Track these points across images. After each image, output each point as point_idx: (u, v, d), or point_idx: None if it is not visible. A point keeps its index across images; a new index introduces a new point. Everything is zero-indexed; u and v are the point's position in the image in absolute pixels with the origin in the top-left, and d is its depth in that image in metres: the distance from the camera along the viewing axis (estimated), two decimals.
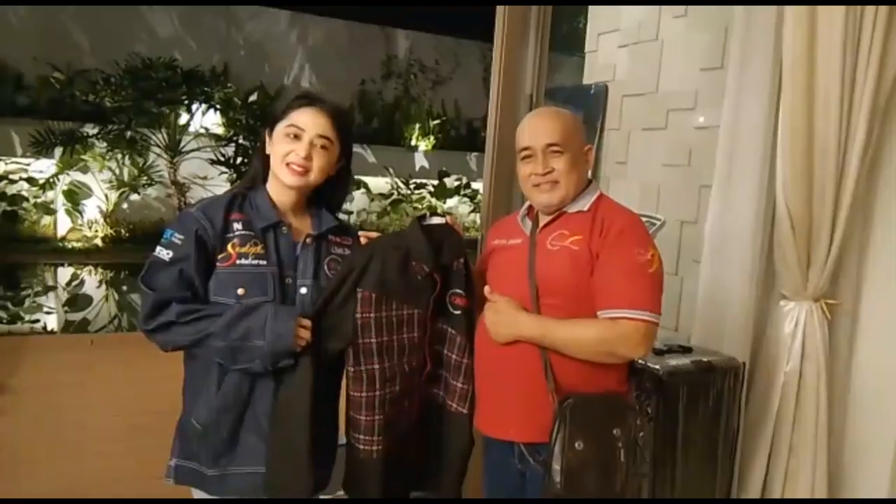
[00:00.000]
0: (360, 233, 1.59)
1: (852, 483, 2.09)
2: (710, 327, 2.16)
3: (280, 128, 1.49)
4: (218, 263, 1.43)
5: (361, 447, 1.50)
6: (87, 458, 3.03)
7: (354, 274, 1.47)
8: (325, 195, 1.59)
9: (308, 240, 1.52)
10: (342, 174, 1.59)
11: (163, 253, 1.41)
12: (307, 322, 1.40)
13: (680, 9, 3.06)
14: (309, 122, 1.47)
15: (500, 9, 2.06)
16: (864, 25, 1.87)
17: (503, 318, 1.51)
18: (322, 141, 1.48)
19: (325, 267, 1.53)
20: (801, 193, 1.96)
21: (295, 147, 1.46)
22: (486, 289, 1.55)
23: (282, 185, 1.50)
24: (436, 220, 1.57)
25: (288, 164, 1.47)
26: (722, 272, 2.15)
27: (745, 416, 2.05)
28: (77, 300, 7.85)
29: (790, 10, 1.91)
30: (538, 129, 1.56)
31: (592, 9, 3.74)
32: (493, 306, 1.53)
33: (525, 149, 1.57)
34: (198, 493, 1.52)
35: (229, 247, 1.43)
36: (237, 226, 1.45)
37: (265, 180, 1.54)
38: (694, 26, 3.03)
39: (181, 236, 1.41)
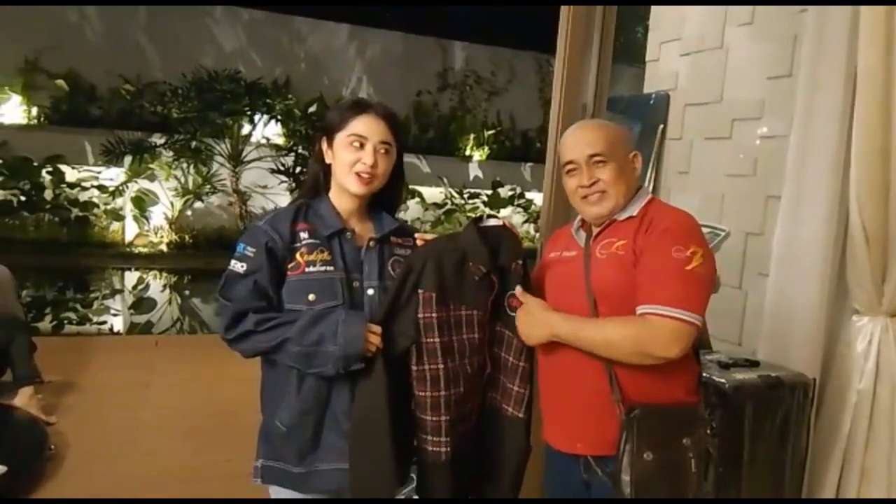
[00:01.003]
0: (417, 235, 1.60)
1: None
2: (777, 342, 2.10)
3: (341, 137, 1.51)
4: (288, 272, 1.47)
5: (430, 448, 1.49)
6: (150, 457, 3.12)
7: (413, 275, 1.48)
8: (382, 198, 1.62)
9: (371, 243, 1.55)
10: (396, 175, 1.61)
11: (237, 266, 1.47)
12: (377, 328, 1.42)
13: (745, 16, 3.00)
14: (370, 129, 1.50)
15: (563, 17, 2.05)
16: None
17: (534, 318, 1.49)
18: (384, 146, 1.51)
19: (390, 268, 1.55)
20: (876, 207, 1.90)
21: (361, 155, 1.49)
22: (518, 289, 1.52)
23: (345, 193, 1.54)
24: (493, 223, 1.57)
25: (357, 174, 1.50)
26: (791, 285, 2.08)
27: (815, 435, 1.97)
28: (142, 303, 8.14)
29: (865, 19, 1.85)
30: (580, 141, 1.55)
31: (654, 18, 3.71)
32: (524, 308, 1.52)
33: (569, 162, 1.56)
34: (275, 494, 1.57)
35: (298, 256, 1.47)
36: (303, 235, 1.49)
37: (328, 189, 1.58)
38: (760, 34, 2.96)
39: (253, 249, 1.46)
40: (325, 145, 1.54)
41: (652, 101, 3.64)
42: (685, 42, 3.40)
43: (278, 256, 1.47)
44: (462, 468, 1.54)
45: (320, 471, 1.50)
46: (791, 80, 2.72)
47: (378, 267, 1.52)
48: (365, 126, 1.50)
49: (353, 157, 1.49)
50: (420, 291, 1.48)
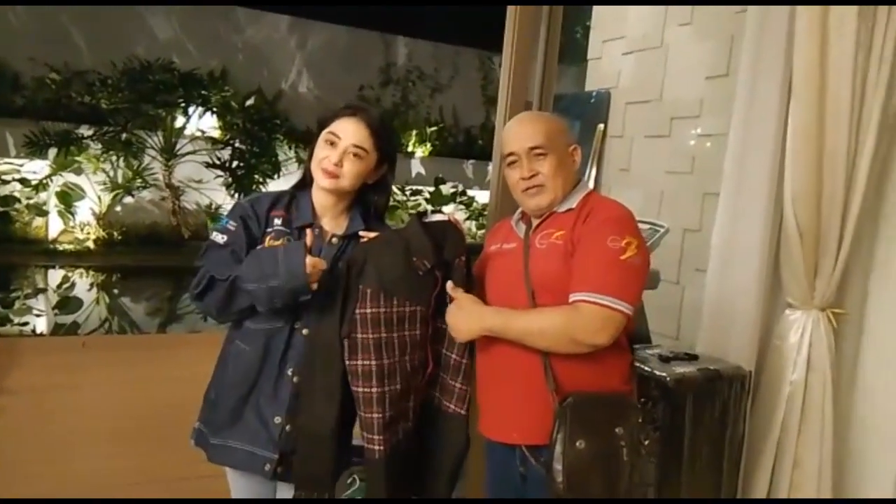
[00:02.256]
0: (361, 232, 1.59)
1: (857, 496, 2.07)
2: (715, 335, 2.15)
3: (323, 133, 1.59)
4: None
5: (367, 445, 1.49)
6: (78, 461, 2.98)
7: (354, 271, 1.47)
8: (367, 201, 1.68)
9: (334, 240, 1.60)
10: (384, 181, 1.68)
11: (218, 237, 1.56)
12: (320, 260, 1.45)
13: (685, 16, 3.07)
14: (347, 130, 1.56)
15: (510, 16, 2.04)
16: (876, 35, 1.88)
17: (464, 313, 1.49)
18: (356, 150, 1.56)
19: (341, 266, 1.57)
20: (810, 203, 1.96)
21: (329, 153, 1.56)
22: (449, 285, 1.52)
23: (320, 188, 1.60)
24: (437, 217, 1.56)
25: (322, 169, 1.56)
26: (728, 280, 2.14)
27: (750, 424, 2.03)
28: (68, 303, 7.77)
29: (802, 20, 1.91)
30: (520, 133, 1.57)
31: (596, 16, 3.76)
32: (455, 303, 1.51)
33: (510, 154, 1.57)
34: (229, 475, 1.63)
35: (266, 239, 1.56)
36: (277, 221, 1.58)
37: (312, 182, 1.63)
38: (699, 34, 3.03)
39: (234, 224, 1.56)
40: (315, 140, 1.61)
41: (593, 100, 3.69)
42: (627, 41, 3.46)
43: (253, 233, 1.56)
44: (403, 465, 1.53)
45: (230, 447, 1.55)
46: (728, 80, 2.79)
47: (330, 264, 1.51)
48: (344, 127, 1.56)
49: (324, 153, 1.56)
50: (360, 287, 1.46)
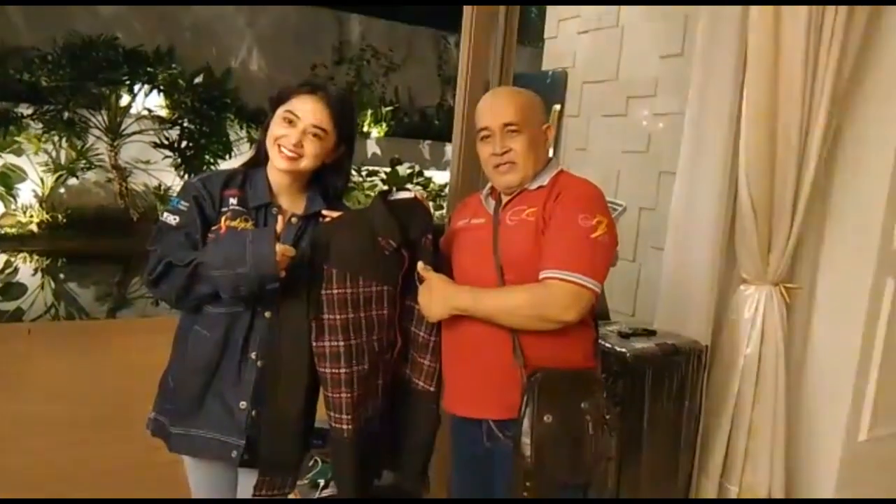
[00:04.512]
0: (324, 211, 1.56)
1: (808, 462, 2.15)
2: (672, 311, 2.19)
3: (280, 111, 1.52)
4: (209, 234, 1.48)
5: (334, 425, 1.48)
6: (24, 453, 2.87)
7: (319, 251, 1.45)
8: (324, 181, 1.62)
9: (293, 219, 1.55)
10: (342, 161, 1.62)
11: (170, 218, 1.48)
12: (289, 248, 1.40)
13: None
14: (306, 109, 1.49)
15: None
16: (827, 12, 1.91)
17: (434, 294, 1.49)
18: (315, 130, 1.50)
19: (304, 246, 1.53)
20: (763, 179, 2.00)
21: (288, 132, 1.49)
22: (420, 265, 1.51)
23: (275, 167, 1.54)
24: (402, 195, 1.54)
25: (279, 148, 1.50)
26: (685, 257, 2.17)
27: (707, 397, 2.08)
28: (11, 289, 7.48)
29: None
30: (495, 108, 1.55)
31: None
32: (425, 283, 1.51)
33: (483, 129, 1.56)
34: (189, 464, 1.58)
35: (222, 220, 1.48)
36: (232, 201, 1.51)
37: (267, 160, 1.56)
38: (653, 14, 3.06)
39: (186, 204, 1.48)
40: (270, 117, 1.54)
41: (549, 79, 3.70)
42: (583, 21, 3.46)
43: (207, 214, 1.49)
44: (371, 444, 1.53)
45: (193, 435, 1.50)
46: (682, 60, 2.82)
47: (291, 244, 1.47)
48: (302, 105, 1.50)
49: (282, 131, 1.50)
50: (324, 267, 1.44)
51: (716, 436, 2.09)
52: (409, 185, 11.97)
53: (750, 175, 2.01)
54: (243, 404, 1.49)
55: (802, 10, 1.89)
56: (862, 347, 2.10)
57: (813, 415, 2.19)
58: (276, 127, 1.51)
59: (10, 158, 9.15)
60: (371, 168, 11.85)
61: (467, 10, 2.04)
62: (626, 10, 3.18)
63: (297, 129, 1.49)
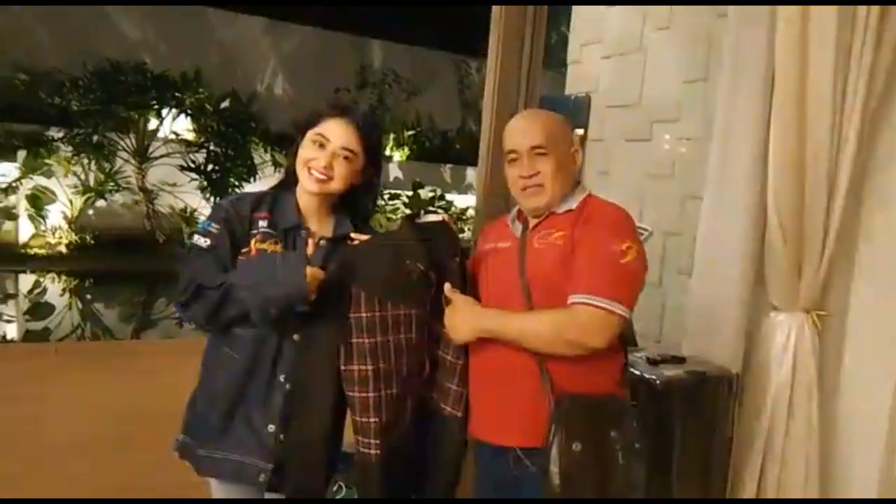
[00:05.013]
0: (352, 234, 1.57)
1: (843, 495, 2.09)
2: (701, 338, 2.15)
3: (309, 134, 1.54)
4: (239, 256, 1.50)
5: (361, 450, 1.48)
6: (51, 471, 2.90)
7: (347, 274, 1.45)
8: (352, 203, 1.64)
9: (322, 242, 1.56)
10: (370, 183, 1.64)
11: (200, 240, 1.50)
12: (319, 271, 1.42)
13: (664, 20, 3.09)
14: (336, 132, 1.52)
15: (495, 18, 2.03)
16: (856, 36, 1.89)
17: (460, 316, 1.48)
18: (345, 152, 1.52)
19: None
20: (793, 204, 1.97)
21: (318, 155, 1.51)
22: (447, 287, 1.51)
23: (305, 190, 1.56)
24: (430, 218, 1.55)
25: (309, 170, 1.52)
26: (713, 283, 2.14)
27: (738, 426, 2.04)
28: (39, 308, 7.60)
29: (781, 20, 1.92)
30: (523, 131, 1.56)
31: (575, 20, 3.76)
32: (451, 305, 1.51)
33: (511, 151, 1.56)
34: (215, 487, 1.58)
35: (252, 242, 1.50)
36: (262, 223, 1.52)
37: (296, 183, 1.58)
38: (677, 38, 3.05)
39: (217, 225, 1.51)
40: (299, 140, 1.56)
41: (572, 104, 3.70)
42: (606, 45, 3.46)
43: (237, 235, 1.51)
44: (399, 468, 1.51)
45: (220, 459, 1.51)
46: (706, 84, 2.81)
47: (319, 267, 1.48)
48: (332, 128, 1.52)
49: (312, 154, 1.52)
50: (352, 291, 1.45)
51: (747, 466, 2.03)
52: (430, 208, 12.03)
53: (779, 200, 1.98)
54: (271, 427, 1.49)
55: (830, 32, 1.87)
56: None
57: (847, 446, 2.12)
58: (306, 150, 1.53)
59: (41, 180, 9.37)
60: (393, 191, 11.94)
61: (494, 34, 2.06)
62: (650, 35, 3.18)
63: (326, 152, 1.51)
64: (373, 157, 1.60)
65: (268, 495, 1.56)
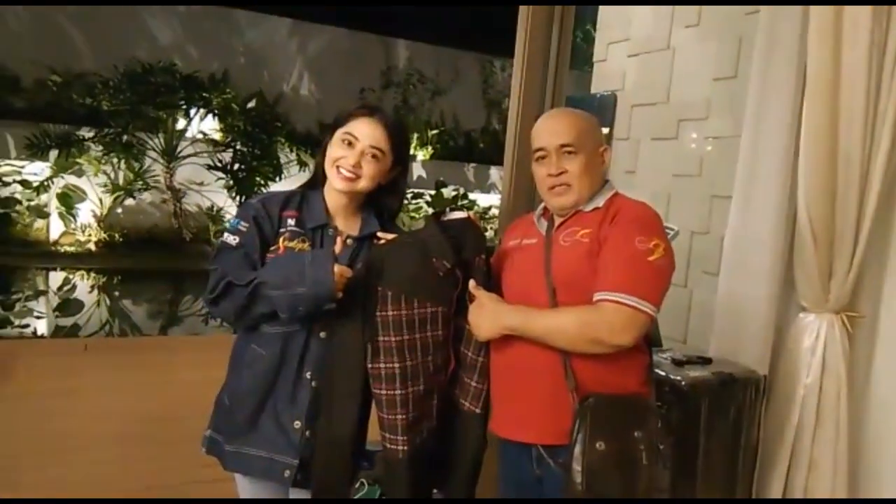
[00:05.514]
0: (379, 233, 1.57)
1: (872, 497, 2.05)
2: (727, 339, 2.13)
3: (338, 133, 1.56)
4: (268, 254, 1.52)
5: (388, 446, 1.48)
6: (79, 466, 2.95)
7: (372, 273, 1.46)
8: (380, 202, 1.66)
9: (349, 240, 1.58)
10: (397, 182, 1.65)
11: (230, 238, 1.52)
12: (346, 269, 1.43)
13: (692, 18, 3.05)
14: (364, 131, 1.53)
15: (522, 17, 2.03)
16: (890, 36, 1.86)
17: (485, 312, 1.48)
18: (373, 151, 1.53)
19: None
20: (824, 203, 1.94)
21: (347, 154, 1.53)
22: (471, 283, 1.50)
23: (334, 189, 1.57)
24: (456, 215, 1.55)
25: (338, 169, 1.53)
26: (740, 283, 2.11)
27: (764, 429, 2.01)
28: (68, 305, 7.75)
29: (814, 18, 1.89)
30: (552, 129, 1.55)
31: (602, 18, 3.74)
32: (476, 302, 1.50)
33: (539, 149, 1.56)
34: (241, 483, 1.60)
35: (280, 240, 1.52)
36: (290, 222, 1.54)
37: (324, 181, 1.60)
38: (706, 36, 3.02)
39: (246, 224, 1.52)
40: (328, 139, 1.58)
41: (598, 102, 3.68)
42: (632, 43, 3.44)
43: (266, 234, 1.52)
44: (424, 465, 1.52)
45: (247, 454, 1.52)
46: (736, 82, 2.77)
47: (346, 265, 1.49)
48: (361, 127, 1.54)
49: (340, 153, 1.53)
50: (379, 289, 1.45)
51: (773, 470, 2.00)
52: (463, 207, 12.04)
53: (810, 199, 1.94)
54: (297, 424, 1.51)
55: (864, 30, 1.84)
56: None
57: (876, 451, 2.08)
58: (335, 149, 1.55)
59: (71, 179, 9.56)
60: (417, 190, 11.97)
61: (520, 34, 2.06)
62: (677, 33, 3.14)
63: (355, 151, 1.52)
64: (400, 157, 1.61)
65: (293, 492, 1.57)
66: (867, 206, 1.93)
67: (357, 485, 2.20)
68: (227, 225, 1.57)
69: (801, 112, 1.95)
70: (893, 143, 1.91)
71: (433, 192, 12.01)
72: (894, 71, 1.88)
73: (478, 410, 1.56)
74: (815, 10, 1.89)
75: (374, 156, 1.53)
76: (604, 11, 3.70)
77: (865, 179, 1.92)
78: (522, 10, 2.01)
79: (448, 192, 12.05)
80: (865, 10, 1.84)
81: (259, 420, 1.52)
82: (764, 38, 2.04)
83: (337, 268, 1.39)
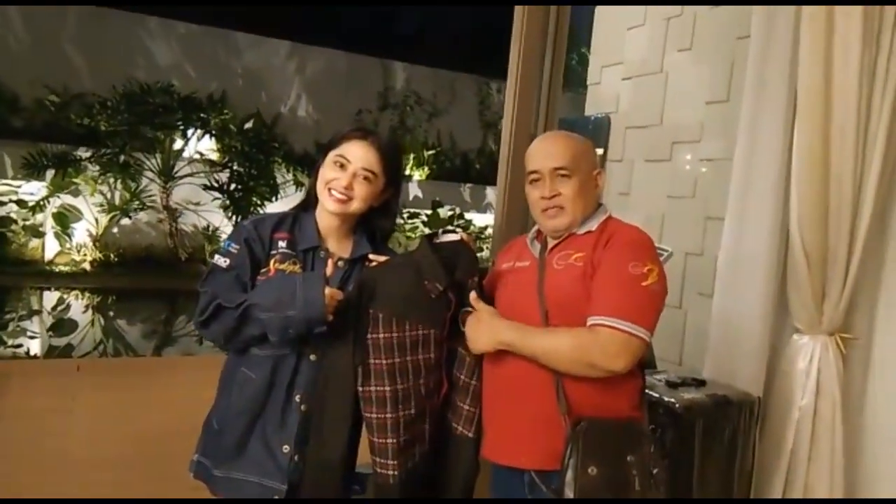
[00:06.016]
0: (371, 255, 1.57)
1: None
2: (722, 361, 2.12)
3: (331, 155, 1.56)
4: (258, 276, 1.51)
5: (379, 471, 1.46)
6: (71, 487, 2.91)
7: (364, 295, 1.45)
8: (372, 225, 1.65)
9: (340, 263, 1.57)
10: (389, 204, 1.65)
11: (221, 261, 1.51)
12: (338, 291, 1.43)
13: (685, 42, 3.09)
14: (357, 154, 1.54)
15: (514, 38, 2.05)
16: (880, 57, 1.88)
17: (482, 325, 1.47)
18: (366, 173, 1.54)
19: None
20: (817, 225, 1.94)
21: (339, 175, 1.53)
22: (472, 295, 1.50)
23: (326, 211, 1.57)
24: (449, 237, 1.54)
25: (329, 191, 1.54)
26: (735, 305, 2.11)
27: (759, 451, 1.99)
28: (62, 325, 7.70)
29: (805, 42, 1.91)
30: (546, 152, 1.55)
31: (595, 42, 3.78)
32: (475, 314, 1.50)
33: (533, 172, 1.56)
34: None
35: (271, 262, 1.51)
36: (281, 244, 1.54)
37: (316, 203, 1.60)
38: (698, 60, 3.05)
39: (237, 246, 1.52)
40: (321, 161, 1.58)
41: (592, 125, 3.70)
42: (626, 66, 3.47)
43: (257, 256, 1.52)
44: (416, 489, 1.50)
45: (235, 479, 1.50)
46: (728, 105, 2.80)
47: (337, 287, 1.49)
48: (353, 150, 1.54)
49: (333, 175, 1.54)
50: (370, 311, 1.44)
51: (769, 494, 1.99)
52: (456, 228, 12.04)
53: (802, 221, 1.95)
54: (286, 448, 1.49)
55: (855, 53, 1.86)
56: None
57: (871, 473, 2.07)
58: (328, 170, 1.55)
59: (68, 199, 9.54)
60: (413, 210, 11.98)
61: (513, 55, 2.07)
62: (671, 57, 3.18)
63: (347, 173, 1.53)
64: (393, 179, 1.61)
65: None
66: (859, 227, 1.94)
67: None
68: (219, 247, 1.56)
69: (792, 134, 1.97)
70: (884, 164, 1.92)
71: (429, 213, 12.02)
72: (884, 93, 1.90)
73: (470, 434, 1.55)
74: (806, 33, 1.91)
75: (366, 178, 1.54)
76: (597, 35, 3.74)
77: (857, 200, 1.93)
78: (516, 30, 2.02)
79: (444, 212, 12.06)
80: (856, 34, 1.86)
81: (248, 444, 1.50)
82: (754, 62, 2.06)
83: (328, 290, 1.38)
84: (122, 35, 10.50)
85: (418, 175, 12.58)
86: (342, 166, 1.53)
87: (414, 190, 12.40)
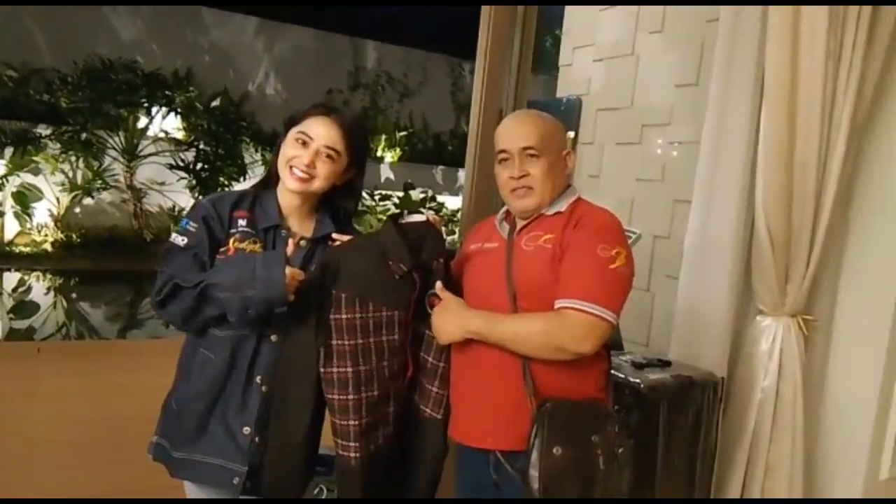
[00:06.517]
0: (334, 235, 1.54)
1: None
2: (687, 342, 2.14)
3: (292, 132, 1.52)
4: (218, 255, 1.48)
5: (340, 453, 1.45)
6: (32, 473, 2.86)
7: (327, 275, 1.43)
8: (335, 204, 1.62)
9: (302, 242, 1.54)
10: (353, 184, 1.61)
11: (178, 239, 1.47)
12: (298, 271, 1.40)
13: (656, 24, 3.08)
14: (319, 131, 1.50)
15: (484, 19, 2.02)
16: (845, 42, 1.89)
17: (449, 315, 1.47)
18: (328, 151, 1.50)
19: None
20: (781, 208, 1.96)
21: (301, 153, 1.49)
22: (438, 285, 1.49)
23: (287, 189, 1.53)
24: (415, 218, 1.52)
25: (291, 169, 1.50)
26: (700, 287, 2.13)
27: (722, 431, 2.02)
28: (23, 307, 7.53)
29: (773, 27, 1.92)
30: (515, 132, 1.54)
31: (567, 23, 3.76)
32: (441, 304, 1.49)
33: (502, 151, 1.54)
34: (190, 490, 1.55)
35: (231, 241, 1.48)
36: (241, 222, 1.50)
37: (278, 182, 1.56)
38: (670, 42, 3.05)
39: (195, 225, 1.48)
40: (282, 138, 1.54)
41: (563, 106, 3.69)
42: (598, 48, 3.46)
43: (216, 235, 1.48)
44: (380, 472, 1.50)
45: (195, 461, 1.48)
46: (697, 89, 2.80)
47: (299, 267, 1.46)
48: (316, 127, 1.50)
49: (294, 152, 1.49)
50: (333, 292, 1.42)
51: (731, 473, 2.02)
52: (421, 209, 12.02)
53: (767, 204, 1.97)
54: (247, 430, 1.47)
55: (821, 39, 1.87)
56: (882, 383, 2.04)
57: (831, 452, 2.12)
58: (289, 148, 1.51)
59: (27, 178, 9.29)
60: (384, 192, 11.92)
61: (482, 36, 2.05)
62: (642, 39, 3.17)
63: (309, 150, 1.49)
64: (356, 158, 1.57)
65: (243, 499, 1.53)
66: (823, 210, 1.96)
67: (316, 490, 2.16)
68: (177, 226, 1.53)
69: (759, 119, 1.98)
70: (848, 149, 1.95)
71: (401, 195, 11.97)
72: (849, 79, 1.92)
73: (439, 416, 1.54)
74: (774, 18, 1.91)
75: (328, 156, 1.50)
76: (569, 16, 3.72)
77: (821, 185, 1.96)
78: (485, 10, 1.99)
79: (416, 194, 12.03)
80: (822, 19, 1.87)
81: (207, 426, 1.48)
82: (723, 46, 2.06)
83: (288, 270, 1.35)
84: (83, 9, 10.17)
85: (390, 157, 12.50)
86: (304, 143, 1.49)
87: (386, 172, 12.33)
